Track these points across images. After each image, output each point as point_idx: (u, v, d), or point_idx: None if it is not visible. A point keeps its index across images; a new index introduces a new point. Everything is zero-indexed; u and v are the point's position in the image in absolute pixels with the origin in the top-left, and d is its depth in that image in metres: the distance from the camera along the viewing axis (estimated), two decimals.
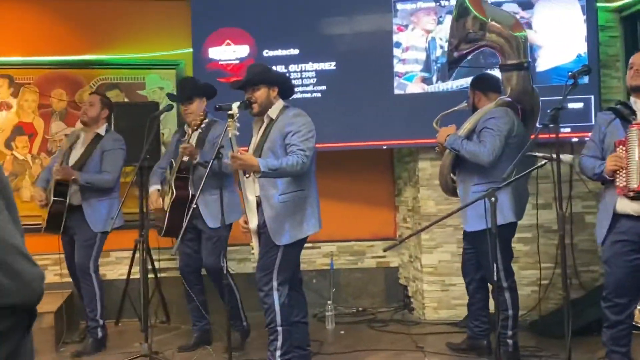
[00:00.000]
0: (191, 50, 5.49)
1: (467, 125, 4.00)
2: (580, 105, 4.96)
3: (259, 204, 3.65)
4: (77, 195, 4.57)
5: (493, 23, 3.98)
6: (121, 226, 4.64)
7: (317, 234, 5.82)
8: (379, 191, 6.05)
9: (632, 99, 3.50)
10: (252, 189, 3.65)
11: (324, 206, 5.93)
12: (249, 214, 3.66)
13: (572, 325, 4.54)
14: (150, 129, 4.15)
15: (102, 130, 4.65)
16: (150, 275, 5.35)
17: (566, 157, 3.30)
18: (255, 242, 3.70)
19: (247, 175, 3.57)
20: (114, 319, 5.33)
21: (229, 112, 3.32)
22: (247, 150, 3.73)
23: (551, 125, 2.88)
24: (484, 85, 4.15)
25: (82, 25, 5.71)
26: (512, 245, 5.20)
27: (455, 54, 4.06)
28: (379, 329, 5.14)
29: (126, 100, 5.68)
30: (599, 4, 5.04)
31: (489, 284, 4.20)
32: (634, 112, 3.44)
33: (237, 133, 3.37)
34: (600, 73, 5.03)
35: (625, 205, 3.41)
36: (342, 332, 5.09)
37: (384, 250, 3.39)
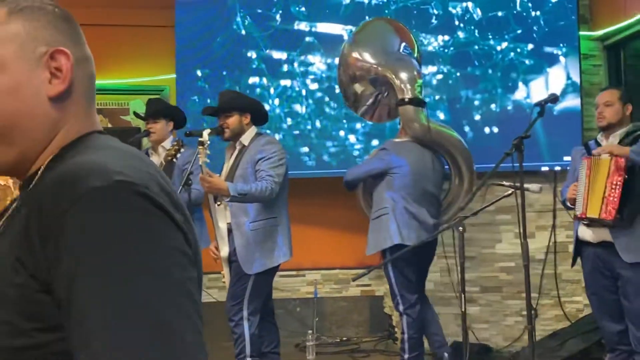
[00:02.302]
0: (175, 76, 5.48)
1: None
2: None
3: (230, 232, 3.59)
4: None
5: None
6: None
7: (302, 262, 5.85)
8: (364, 218, 5.96)
9: (599, 136, 3.60)
10: (223, 217, 3.60)
11: (308, 233, 5.96)
12: (219, 241, 3.61)
13: (554, 357, 4.53)
14: None
15: None
16: None
17: (533, 187, 3.26)
18: (226, 271, 3.64)
19: (219, 203, 3.52)
20: None
21: (200, 139, 3.28)
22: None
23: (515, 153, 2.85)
24: None
25: None
26: (495, 274, 5.19)
27: None
28: (360, 359, 5.05)
29: (109, 125, 5.65)
30: (582, 33, 5.03)
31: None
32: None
33: (208, 160, 3.33)
34: (583, 101, 5.01)
35: (584, 232, 3.62)
36: None
37: (353, 280, 3.33)
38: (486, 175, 3.05)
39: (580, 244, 3.69)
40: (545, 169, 4.98)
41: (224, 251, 3.60)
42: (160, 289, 0.76)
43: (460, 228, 3.02)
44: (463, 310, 3.09)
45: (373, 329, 5.86)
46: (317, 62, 5.14)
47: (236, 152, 3.66)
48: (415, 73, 4.23)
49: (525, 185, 3.12)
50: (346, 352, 5.26)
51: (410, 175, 4.06)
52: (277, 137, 5.23)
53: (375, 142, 5.13)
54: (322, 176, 5.37)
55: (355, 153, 5.19)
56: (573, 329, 4.79)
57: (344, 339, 5.68)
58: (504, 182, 3.24)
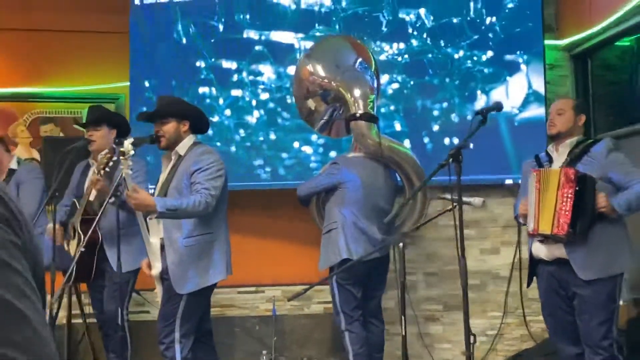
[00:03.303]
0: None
1: None
2: None
3: (163, 247, 3.37)
4: None
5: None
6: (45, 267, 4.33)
7: (261, 278, 5.63)
8: None
9: (549, 146, 3.43)
10: (155, 231, 3.38)
11: (267, 248, 5.75)
12: (151, 258, 3.40)
13: None
14: (60, 165, 3.87)
15: (13, 164, 4.38)
16: (79, 320, 5.08)
17: (475, 200, 3.07)
18: (158, 289, 3.42)
19: (150, 217, 3.30)
20: None
21: (121, 149, 3.06)
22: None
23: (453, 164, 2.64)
24: None
25: (17, 57, 5.49)
26: (459, 291, 4.97)
27: None
28: None
29: (61, 134, 5.44)
30: (547, 42, 4.86)
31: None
32: (551, 159, 3.46)
33: (130, 172, 3.11)
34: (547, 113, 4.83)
35: (538, 249, 3.44)
36: None
37: (289, 300, 3.13)
38: (416, 187, 2.84)
39: (535, 262, 3.49)
40: (509, 182, 4.79)
41: (157, 268, 3.38)
42: None
43: (401, 245, 2.80)
44: (404, 334, 2.88)
45: (336, 348, 5.61)
46: (268, 72, 4.94)
47: (172, 162, 3.45)
48: (368, 89, 4.18)
49: (466, 199, 2.93)
50: None
51: (361, 190, 4.01)
52: (232, 149, 5.04)
53: (332, 154, 4.94)
54: (278, 188, 5.16)
55: (312, 165, 4.99)
56: (538, 350, 4.59)
57: (304, 359, 5.45)
58: (446, 195, 3.03)
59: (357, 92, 4.10)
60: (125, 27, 5.26)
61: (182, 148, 3.43)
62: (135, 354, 4.70)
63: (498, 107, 2.85)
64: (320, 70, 4.23)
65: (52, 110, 5.51)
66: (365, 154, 4.09)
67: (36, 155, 5.44)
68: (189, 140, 3.47)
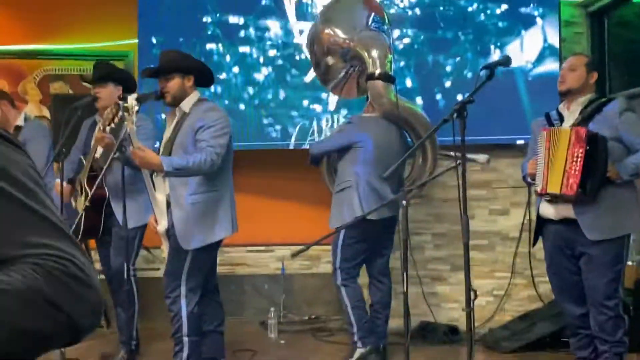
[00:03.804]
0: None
1: None
2: None
3: (169, 204, 3.38)
4: None
5: None
6: None
7: (271, 237, 5.64)
8: None
9: (560, 104, 3.34)
10: (162, 188, 3.38)
11: (277, 208, 5.75)
12: (158, 215, 3.40)
13: (522, 339, 4.33)
14: (67, 122, 3.86)
15: (20, 121, 4.39)
16: None
17: (480, 157, 3.01)
18: (165, 245, 3.43)
19: (156, 174, 3.30)
20: None
21: (125, 105, 3.04)
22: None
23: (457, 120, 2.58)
24: None
25: (27, 13, 5.46)
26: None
27: None
28: (322, 338, 4.87)
29: (71, 92, 5.43)
30: None
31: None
32: (562, 118, 3.37)
33: (135, 127, 3.09)
34: None
35: (545, 209, 3.39)
36: (283, 341, 4.81)
37: (292, 257, 3.13)
38: (418, 142, 2.79)
39: (541, 221, 3.46)
40: (520, 142, 4.72)
41: (162, 225, 3.38)
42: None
43: (404, 202, 2.78)
44: (405, 291, 2.88)
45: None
46: (275, 27, 4.87)
47: (176, 119, 3.43)
48: (387, 49, 4.17)
49: (471, 156, 2.88)
50: (310, 331, 5.07)
51: (374, 150, 4.01)
52: (240, 107, 5.01)
53: (343, 112, 4.89)
54: (288, 148, 5.14)
55: (323, 124, 4.95)
56: (545, 311, 4.58)
57: (313, 317, 5.50)
58: (450, 152, 2.99)
59: (375, 52, 4.10)
60: None
61: (186, 105, 3.41)
62: (144, 311, 4.75)
63: (506, 61, 2.77)
64: (339, 33, 4.24)
65: (61, 67, 5.50)
66: (379, 114, 4.08)
67: (46, 112, 5.45)
68: (193, 96, 3.44)
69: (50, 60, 5.47)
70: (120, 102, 3.42)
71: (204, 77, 3.51)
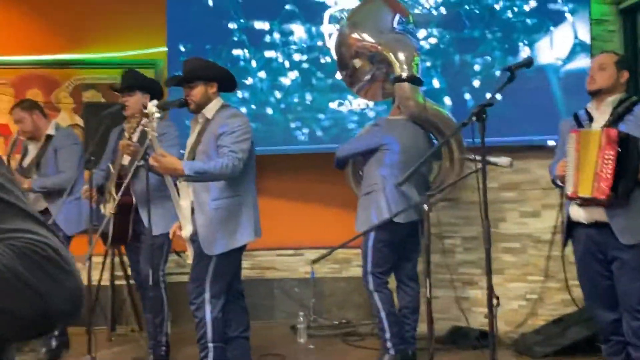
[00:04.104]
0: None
1: None
2: None
3: (193, 210, 3.40)
4: (39, 200, 4.40)
5: None
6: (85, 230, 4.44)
7: (301, 241, 5.64)
8: None
9: (589, 104, 3.25)
10: (186, 194, 3.41)
11: (306, 211, 5.74)
12: (182, 221, 3.42)
13: (555, 344, 4.23)
14: (96, 130, 3.93)
15: (51, 130, 4.48)
16: (123, 282, 5.21)
17: (502, 160, 2.95)
18: (190, 251, 3.45)
19: (179, 180, 3.33)
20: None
21: (144, 112, 3.07)
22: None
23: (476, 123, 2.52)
24: None
25: (59, 24, 5.57)
26: (497, 255, 4.88)
27: None
28: (352, 343, 4.83)
29: (103, 100, 5.52)
30: None
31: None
32: (591, 118, 3.27)
33: (156, 134, 3.12)
34: None
35: (576, 212, 3.29)
36: (312, 346, 4.80)
37: (313, 262, 3.11)
38: (436, 145, 2.74)
39: (572, 224, 3.37)
40: (551, 143, 4.61)
41: (187, 230, 3.40)
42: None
43: (425, 206, 2.74)
44: (428, 296, 2.84)
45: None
46: (299, 32, 4.88)
47: (199, 126, 3.45)
48: (413, 51, 4.17)
49: (493, 159, 2.83)
50: (340, 336, 5.04)
51: (401, 153, 3.99)
52: (268, 111, 5.03)
53: (371, 114, 4.87)
54: (316, 151, 5.14)
55: (350, 126, 4.94)
56: (579, 315, 4.47)
57: (343, 321, 5.47)
58: (470, 156, 2.94)
59: (401, 55, 4.10)
60: None
61: (209, 111, 3.43)
62: (176, 315, 4.80)
63: (528, 62, 2.70)
64: (366, 37, 4.25)
65: (93, 76, 5.59)
66: (406, 117, 4.06)
67: (79, 121, 5.55)
68: (216, 102, 3.46)
69: (82, 70, 5.58)
70: (141, 111, 3.48)
71: (227, 83, 3.53)
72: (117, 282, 5.22)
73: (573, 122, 3.38)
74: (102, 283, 5.15)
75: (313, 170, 5.37)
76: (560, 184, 3.38)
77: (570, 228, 3.39)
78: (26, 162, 4.51)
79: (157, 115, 3.02)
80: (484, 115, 2.48)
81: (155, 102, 3.17)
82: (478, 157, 2.64)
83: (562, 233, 4.45)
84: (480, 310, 4.86)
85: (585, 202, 3.22)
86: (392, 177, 3.94)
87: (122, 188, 3.52)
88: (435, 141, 4.22)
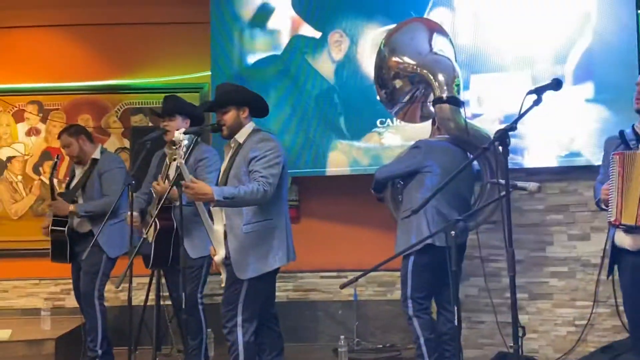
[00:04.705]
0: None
1: None
2: None
3: (226, 234, 3.43)
4: (83, 223, 4.53)
5: None
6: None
7: (344, 263, 5.60)
8: None
9: (637, 123, 3.11)
10: (219, 218, 3.44)
11: (350, 233, 5.70)
12: (215, 245, 3.45)
13: None
14: (137, 154, 4.02)
15: (96, 154, 4.61)
16: (169, 302, 5.28)
17: (530, 185, 2.83)
18: (224, 275, 3.48)
19: (212, 205, 3.36)
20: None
21: (172, 139, 3.11)
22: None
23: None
24: None
25: (107, 51, 5.77)
26: (545, 279, 4.72)
27: None
28: None
29: (150, 124, 5.65)
30: None
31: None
32: (638, 138, 3.16)
33: (183, 161, 3.16)
34: None
35: (621, 239, 3.15)
36: None
37: (341, 288, 3.07)
38: (453, 174, 2.66)
39: (617, 250, 3.22)
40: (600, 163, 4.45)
41: (220, 254, 3.43)
42: None
43: (453, 232, 2.67)
44: (457, 324, 2.76)
45: None
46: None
47: (232, 150, 3.48)
48: (454, 72, 4.10)
49: (521, 184, 2.73)
50: None
51: (442, 176, 3.88)
52: (310, 133, 5.09)
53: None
54: (362, 173, 5.12)
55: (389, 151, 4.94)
56: (630, 342, 4.27)
57: (387, 345, 5.40)
58: (494, 180, 2.85)
59: (441, 76, 4.04)
60: (207, 17, 5.38)
61: (241, 136, 3.46)
62: (220, 336, 4.82)
63: (556, 85, 2.61)
64: (406, 59, 4.21)
65: (141, 101, 5.74)
66: (447, 139, 4.01)
67: (127, 144, 5.70)
68: (248, 127, 3.49)
69: (130, 94, 5.74)
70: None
71: (258, 107, 3.55)
72: (164, 303, 5.29)
73: (619, 141, 3.23)
74: (149, 303, 5.24)
75: (355, 192, 5.33)
76: (604, 207, 3.24)
77: (616, 254, 3.24)
78: (72, 184, 4.65)
79: (185, 142, 3.07)
80: (508, 140, 2.40)
81: (182, 130, 3.21)
82: (500, 181, 2.55)
83: (607, 259, 4.29)
84: (528, 335, 4.69)
85: (629, 230, 3.08)
86: (433, 200, 3.85)
87: (156, 212, 3.57)
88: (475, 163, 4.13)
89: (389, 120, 4.93)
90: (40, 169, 5.74)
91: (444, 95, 3.99)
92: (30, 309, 5.56)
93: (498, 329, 4.46)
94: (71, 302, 5.05)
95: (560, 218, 4.69)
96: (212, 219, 3.47)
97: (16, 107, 5.76)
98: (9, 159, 5.74)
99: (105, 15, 5.68)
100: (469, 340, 4.86)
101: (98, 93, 5.72)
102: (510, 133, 2.45)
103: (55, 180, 4.69)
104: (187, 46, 5.67)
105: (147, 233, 4.08)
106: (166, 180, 4.01)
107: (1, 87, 5.72)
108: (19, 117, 5.76)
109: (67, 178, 4.92)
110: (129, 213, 4.02)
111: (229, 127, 3.44)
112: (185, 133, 3.14)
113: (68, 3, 5.70)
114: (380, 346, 5.38)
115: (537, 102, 2.44)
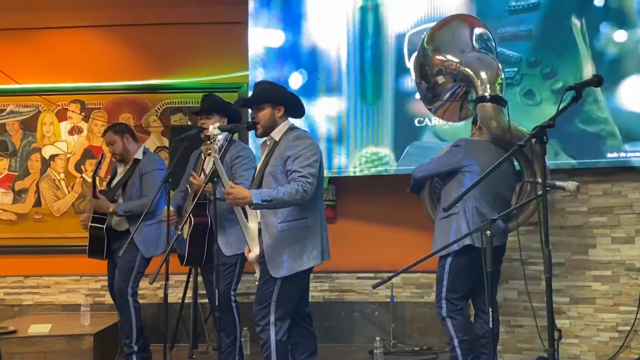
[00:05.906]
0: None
1: None
2: None
3: (260, 232, 3.42)
4: (121, 222, 4.58)
5: None
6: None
7: (381, 264, 5.55)
8: None
9: None
10: (254, 216, 3.43)
11: (387, 234, 5.65)
12: (250, 242, 3.45)
13: None
14: (174, 152, 4.04)
15: (139, 154, 4.65)
16: (206, 300, 5.30)
17: (569, 184, 2.73)
18: (258, 272, 3.47)
19: (252, 207, 3.35)
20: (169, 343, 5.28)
21: (206, 134, 3.12)
22: None
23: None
24: None
25: (147, 51, 5.84)
26: (587, 283, 4.59)
27: None
28: None
29: (189, 123, 5.69)
30: None
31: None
32: None
33: (217, 156, 3.15)
34: None
35: None
36: None
37: (373, 288, 3.02)
38: (487, 171, 2.59)
39: None
40: None
41: (255, 252, 3.42)
42: None
43: (488, 232, 2.61)
44: (491, 326, 2.69)
45: None
46: None
47: (268, 148, 3.47)
48: (497, 70, 4.00)
49: (559, 183, 2.64)
50: None
51: None
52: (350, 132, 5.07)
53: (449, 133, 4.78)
54: (400, 173, 5.07)
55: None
56: None
57: (424, 347, 5.32)
58: (531, 179, 2.77)
59: (483, 74, 3.95)
60: (245, 17, 5.41)
61: (277, 133, 3.44)
62: (253, 335, 4.82)
63: (597, 81, 2.51)
64: (450, 57, 4.14)
65: (180, 100, 5.80)
66: (488, 138, 3.92)
67: (167, 143, 5.75)
68: (284, 125, 3.47)
69: (170, 94, 5.80)
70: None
71: (294, 107, 3.53)
72: (201, 301, 5.32)
73: None
74: (186, 301, 5.28)
75: (393, 193, 5.30)
76: None
77: None
78: (114, 183, 4.71)
79: (220, 137, 3.07)
80: (545, 138, 2.32)
81: (217, 124, 3.21)
82: (546, 181, 2.47)
83: None
84: (569, 341, 4.60)
85: None
86: (473, 200, 3.77)
87: (191, 208, 3.59)
88: (516, 163, 4.04)
89: (426, 119, 4.84)
90: (82, 167, 5.83)
91: (487, 94, 3.90)
92: (71, 305, 5.66)
93: (537, 333, 4.33)
94: (110, 298, 5.11)
95: (604, 220, 4.56)
96: (246, 216, 3.47)
97: (59, 106, 5.87)
98: (52, 157, 5.85)
99: (145, 16, 5.76)
100: (508, 345, 4.76)
101: (138, 92, 5.80)
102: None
103: (97, 178, 4.74)
104: (226, 47, 5.71)
105: (182, 229, 4.11)
106: (201, 174, 4.03)
107: (44, 86, 5.83)
108: (61, 116, 5.87)
109: (109, 176, 4.98)
110: (166, 208, 4.05)
111: (263, 124, 3.43)
112: (219, 129, 3.14)
113: (109, 4, 5.80)
114: (417, 349, 5.31)
115: (576, 99, 2.35)
